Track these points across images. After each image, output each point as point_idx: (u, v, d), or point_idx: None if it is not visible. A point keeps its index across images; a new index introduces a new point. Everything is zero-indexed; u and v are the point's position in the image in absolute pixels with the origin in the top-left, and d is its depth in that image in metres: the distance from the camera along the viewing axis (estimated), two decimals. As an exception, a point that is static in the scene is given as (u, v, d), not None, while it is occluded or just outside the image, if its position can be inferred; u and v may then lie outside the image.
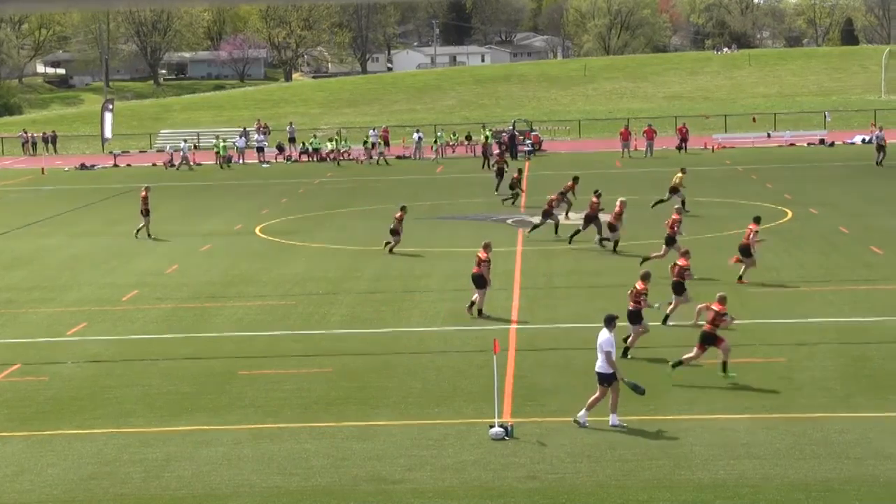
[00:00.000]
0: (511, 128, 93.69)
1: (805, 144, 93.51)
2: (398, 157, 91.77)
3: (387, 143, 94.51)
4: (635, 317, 30.51)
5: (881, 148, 76.07)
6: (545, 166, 79.79)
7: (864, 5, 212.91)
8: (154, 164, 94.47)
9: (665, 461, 23.09)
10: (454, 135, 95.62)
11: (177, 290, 41.49)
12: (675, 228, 41.35)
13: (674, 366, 28.19)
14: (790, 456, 23.11)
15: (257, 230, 55.59)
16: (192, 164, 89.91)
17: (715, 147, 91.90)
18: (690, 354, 28.04)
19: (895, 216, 52.64)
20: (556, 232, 50.11)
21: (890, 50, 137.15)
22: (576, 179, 55.85)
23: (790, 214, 54.38)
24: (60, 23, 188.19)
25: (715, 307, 28.18)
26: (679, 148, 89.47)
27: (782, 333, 32.61)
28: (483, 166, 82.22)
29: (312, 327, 35.30)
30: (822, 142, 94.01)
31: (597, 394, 25.23)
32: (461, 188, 70.36)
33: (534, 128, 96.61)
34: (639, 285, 30.66)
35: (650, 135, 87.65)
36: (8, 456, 24.27)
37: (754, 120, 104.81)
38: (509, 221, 55.72)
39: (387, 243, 47.39)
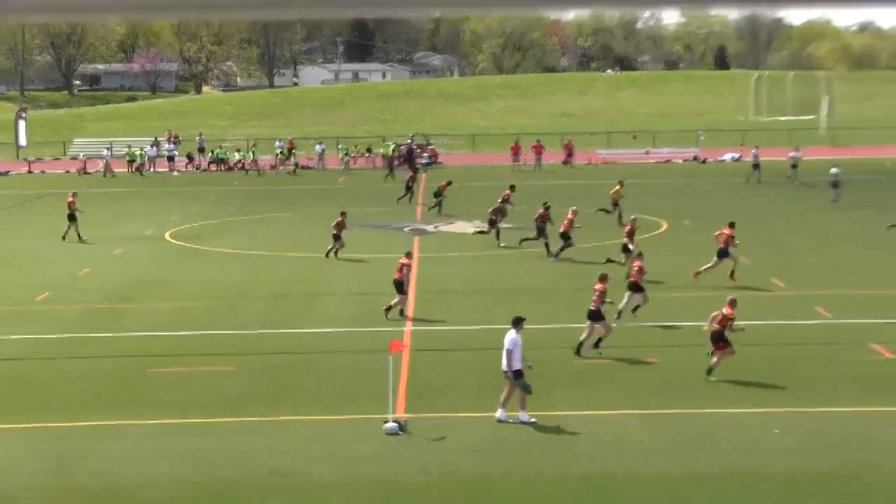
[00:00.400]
0: (409, 141, 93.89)
1: (680, 161, 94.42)
2: (303, 168, 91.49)
3: (291, 154, 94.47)
4: (596, 315, 30.81)
5: (756, 166, 77.00)
6: (441, 177, 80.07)
7: (735, 33, 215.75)
8: (67, 171, 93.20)
9: (551, 455, 23.28)
10: (356, 147, 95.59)
11: (89, 292, 41.06)
12: (630, 238, 42.13)
13: (708, 372, 28.43)
14: (671, 447, 23.44)
15: (167, 235, 55.16)
16: (112, 171, 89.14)
17: (598, 162, 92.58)
18: (715, 359, 28.41)
19: (764, 228, 53.16)
20: (497, 237, 50.34)
21: (758, 75, 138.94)
22: (512, 188, 56.25)
23: (665, 226, 54.83)
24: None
25: (725, 311, 28.66)
26: (565, 162, 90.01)
27: (659, 336, 32.89)
28: (386, 178, 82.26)
29: (218, 328, 35.12)
30: (695, 158, 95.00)
31: (506, 391, 25.49)
32: (363, 198, 70.27)
33: (431, 142, 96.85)
34: (598, 286, 31.02)
35: (538, 150, 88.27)
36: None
37: (634, 137, 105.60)
38: (406, 229, 55.74)
39: (330, 249, 47.01)
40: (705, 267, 40.18)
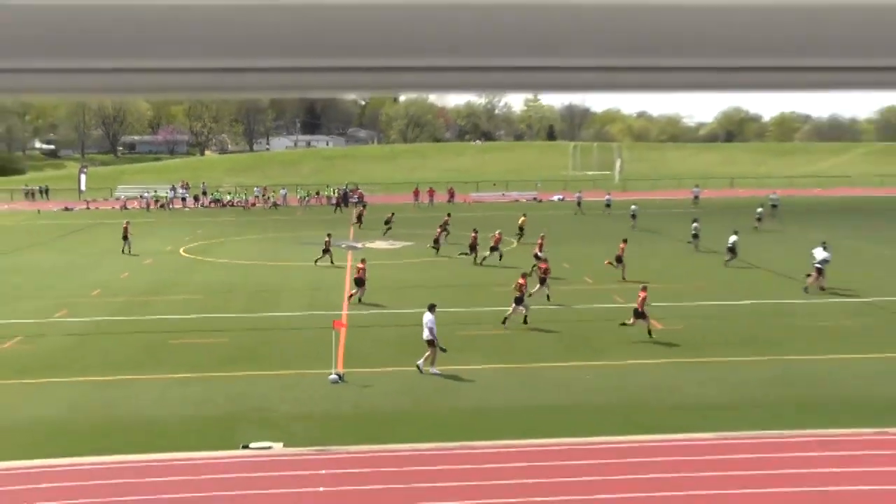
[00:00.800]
0: (345, 187, 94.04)
1: (524, 200, 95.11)
2: (273, 206, 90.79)
3: (265, 196, 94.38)
4: (519, 300, 31.15)
5: (580, 203, 78.68)
6: (368, 211, 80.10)
7: (560, 116, 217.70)
8: (112, 208, 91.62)
9: (447, 395, 23.39)
10: (308, 192, 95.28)
11: (128, 289, 40.44)
12: (539, 248, 42.70)
13: (622, 324, 30.02)
14: (525, 390, 23.62)
15: (181, 250, 54.45)
16: (150, 207, 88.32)
17: (470, 201, 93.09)
18: (632, 321, 29.72)
19: (585, 245, 53.63)
20: (437, 250, 50.37)
21: (574, 145, 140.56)
22: (449, 214, 56.53)
23: (514, 244, 55.26)
24: (52, 115, 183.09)
25: (641, 294, 29.74)
26: (449, 201, 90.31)
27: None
28: (334, 211, 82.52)
29: (217, 312, 34.77)
30: (535, 199, 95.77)
31: (428, 353, 25.58)
32: (313, 225, 69.81)
33: (358, 187, 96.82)
34: (521, 280, 31.62)
35: (431, 193, 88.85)
36: None
37: (494, 185, 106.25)
38: (343, 245, 55.46)
39: (317, 259, 46.23)
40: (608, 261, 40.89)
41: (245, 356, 27.78)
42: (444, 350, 25.87)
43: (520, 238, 54.09)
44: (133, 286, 41.25)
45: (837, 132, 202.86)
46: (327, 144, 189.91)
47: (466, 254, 47.33)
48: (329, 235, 48.05)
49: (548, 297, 35.26)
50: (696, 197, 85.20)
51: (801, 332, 29.96)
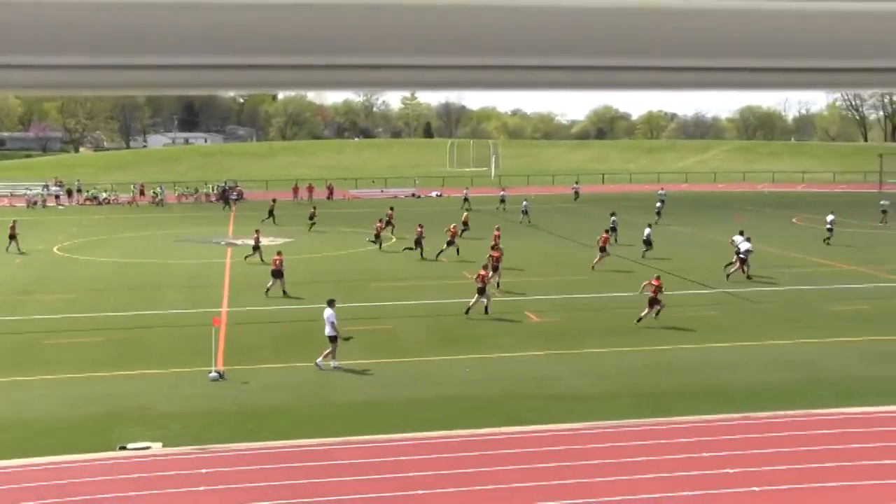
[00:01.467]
0: (224, 184, 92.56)
1: (403, 196, 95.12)
2: (160, 202, 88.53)
3: (143, 193, 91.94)
4: (481, 291, 31.77)
5: (503, 200, 76.56)
6: (248, 208, 78.78)
7: (437, 114, 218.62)
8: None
9: (320, 391, 23.19)
10: (187, 188, 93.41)
11: None
12: (497, 242, 42.37)
13: (638, 321, 30.15)
14: (406, 384, 23.56)
15: (55, 249, 52.65)
16: (36, 205, 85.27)
17: (350, 198, 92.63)
18: (645, 312, 30.19)
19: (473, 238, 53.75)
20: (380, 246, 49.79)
21: (451, 142, 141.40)
22: (392, 208, 57.79)
23: (394, 240, 55.20)
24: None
25: (654, 282, 30.57)
26: (328, 198, 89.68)
27: (391, 310, 33.08)
28: (223, 208, 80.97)
29: (91, 311, 33.71)
30: (413, 195, 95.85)
31: (328, 349, 25.36)
32: (194, 222, 68.41)
33: (238, 185, 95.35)
34: (482, 272, 32.52)
35: (311, 189, 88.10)
36: None
37: (374, 181, 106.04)
38: (222, 242, 54.53)
39: (247, 256, 44.93)
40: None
41: (122, 355, 27.01)
42: (347, 339, 25.80)
43: (463, 232, 53.82)
44: (3, 286, 39.69)
45: (701, 130, 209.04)
46: (205, 142, 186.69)
47: (412, 248, 47.01)
48: (258, 231, 47.28)
49: (498, 284, 35.86)
50: (577, 193, 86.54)
51: (672, 323, 30.65)
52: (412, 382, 24.01)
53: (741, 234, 40.30)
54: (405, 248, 48.02)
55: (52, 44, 1.07)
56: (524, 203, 65.76)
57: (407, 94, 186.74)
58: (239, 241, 54.87)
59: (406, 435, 19.91)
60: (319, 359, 25.43)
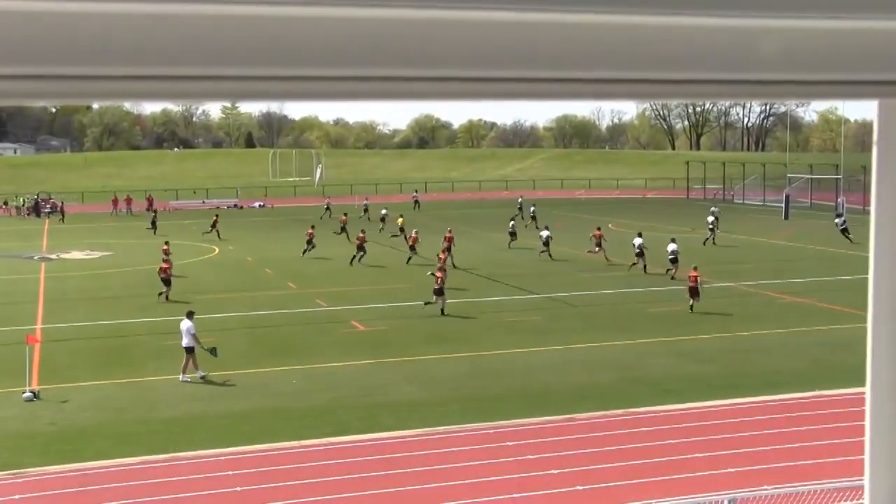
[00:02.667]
0: (36, 197, 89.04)
1: (225, 207, 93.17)
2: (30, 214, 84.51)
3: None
4: (439, 292, 33.09)
5: (328, 207, 75.17)
6: (64, 221, 75.79)
7: (258, 123, 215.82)
8: None
9: (146, 407, 22.42)
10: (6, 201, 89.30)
11: None
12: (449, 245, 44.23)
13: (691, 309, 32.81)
14: (230, 397, 23.05)
15: None
16: None
17: (171, 209, 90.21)
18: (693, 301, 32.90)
19: (283, 251, 53.02)
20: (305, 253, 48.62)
21: (273, 151, 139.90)
22: (346, 214, 58.95)
23: (217, 250, 54.08)
24: None
25: (693, 273, 33.37)
26: (148, 209, 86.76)
27: (214, 323, 32.37)
28: (34, 218, 78.00)
29: None
30: (235, 206, 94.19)
31: (185, 361, 24.80)
32: (2, 236, 65.07)
33: (52, 197, 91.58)
34: (438, 273, 33.63)
35: (129, 201, 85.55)
36: None
37: (195, 192, 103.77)
38: (35, 257, 52.10)
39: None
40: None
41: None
42: (213, 353, 25.16)
43: (395, 236, 53.96)
44: None
45: (520, 138, 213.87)
46: (15, 152, 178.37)
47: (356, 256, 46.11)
48: (167, 243, 44.53)
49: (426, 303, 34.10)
50: (417, 201, 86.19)
51: (496, 328, 31.10)
52: (236, 395, 23.52)
53: (639, 235, 44.05)
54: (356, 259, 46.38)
55: (29, 54, 1.12)
56: (382, 212, 65.30)
57: (228, 103, 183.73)
58: (53, 256, 52.64)
59: (231, 449, 19.46)
60: (182, 375, 24.74)
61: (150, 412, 22.17)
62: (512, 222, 55.89)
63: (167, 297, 36.09)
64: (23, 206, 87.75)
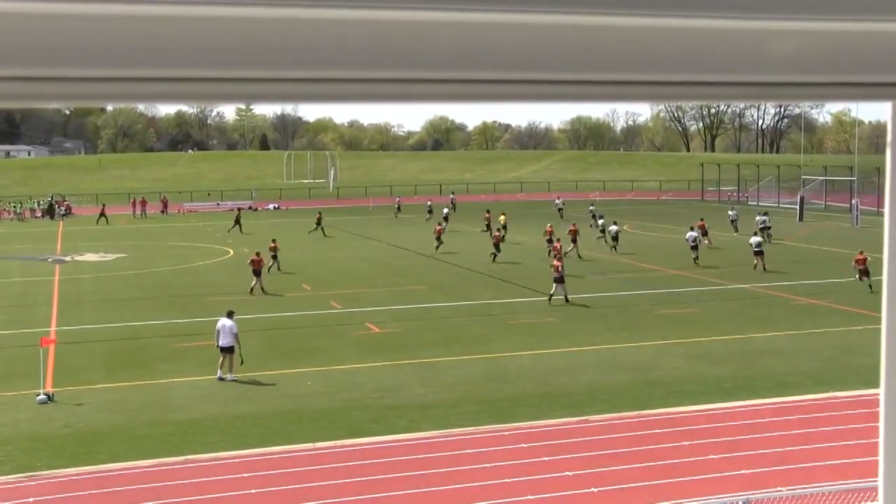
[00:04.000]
0: (51, 198, 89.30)
1: (240, 210, 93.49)
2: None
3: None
4: (559, 280, 35.00)
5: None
6: (78, 223, 76.02)
7: (272, 126, 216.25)
8: None
9: (161, 410, 22.46)
10: (10, 203, 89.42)
11: None
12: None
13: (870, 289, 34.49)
14: (244, 400, 23.08)
15: None
16: None
17: (185, 211, 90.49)
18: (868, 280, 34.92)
19: (298, 253, 53.24)
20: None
21: (288, 153, 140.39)
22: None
23: (231, 252, 54.27)
24: None
25: (859, 257, 36.08)
26: (162, 212, 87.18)
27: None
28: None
29: None
30: (250, 208, 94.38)
31: (222, 359, 25.04)
32: (16, 238, 65.41)
33: (66, 199, 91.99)
34: (556, 263, 36.88)
35: (144, 203, 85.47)
36: None
37: (209, 194, 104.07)
38: (50, 259, 52.33)
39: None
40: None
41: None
42: (241, 362, 25.26)
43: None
44: None
45: (535, 140, 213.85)
46: (29, 154, 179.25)
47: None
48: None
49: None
50: (454, 202, 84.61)
51: (511, 329, 31.08)
52: (252, 397, 23.55)
53: (692, 229, 47.82)
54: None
55: (36, 55, 1.13)
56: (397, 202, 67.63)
57: (242, 105, 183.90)
58: (68, 258, 52.85)
59: (247, 451, 19.49)
60: (219, 373, 25.01)
61: (165, 414, 22.23)
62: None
63: (257, 290, 38.27)
64: (37, 208, 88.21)
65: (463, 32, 1.22)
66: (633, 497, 16.96)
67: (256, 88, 1.21)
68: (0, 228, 75.93)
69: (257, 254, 39.72)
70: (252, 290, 38.35)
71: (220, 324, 25.47)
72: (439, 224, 55.99)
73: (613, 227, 51.27)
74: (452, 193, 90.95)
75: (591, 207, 72.76)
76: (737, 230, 56.98)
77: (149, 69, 1.14)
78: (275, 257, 44.55)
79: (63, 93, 1.16)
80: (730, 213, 61.05)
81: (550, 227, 51.49)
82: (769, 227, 54.15)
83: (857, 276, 36.75)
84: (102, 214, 77.54)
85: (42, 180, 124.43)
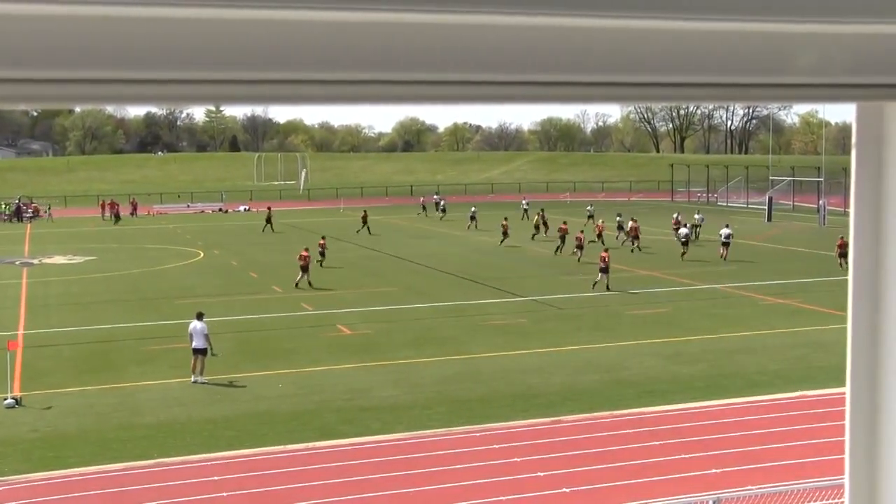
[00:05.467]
0: (17, 201, 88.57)
1: (210, 211, 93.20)
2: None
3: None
4: (605, 270, 38.05)
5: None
6: (46, 226, 75.39)
7: (242, 127, 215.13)
8: None
9: (129, 413, 22.31)
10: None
11: None
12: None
13: None
14: (214, 402, 22.94)
15: None
16: None
17: (155, 213, 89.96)
18: None
19: (268, 255, 53.06)
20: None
21: (259, 155, 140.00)
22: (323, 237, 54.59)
23: (202, 254, 54.00)
24: None
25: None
26: (132, 214, 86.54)
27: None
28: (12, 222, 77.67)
29: None
30: (220, 210, 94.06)
31: (194, 361, 24.88)
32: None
33: (33, 201, 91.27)
34: (603, 254, 38.94)
35: (113, 205, 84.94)
36: None
37: (179, 196, 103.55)
38: (17, 262, 51.79)
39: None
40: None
41: None
42: (214, 355, 25.26)
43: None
44: None
45: (505, 141, 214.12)
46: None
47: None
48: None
49: None
50: (440, 203, 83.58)
51: (482, 330, 31.11)
52: (221, 400, 23.43)
53: (684, 226, 50.78)
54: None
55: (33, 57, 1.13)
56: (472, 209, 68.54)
57: (212, 106, 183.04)
58: (35, 261, 52.36)
59: (216, 454, 19.39)
60: (192, 377, 24.87)
61: (134, 417, 22.08)
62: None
63: (302, 284, 39.43)
64: (4, 210, 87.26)
65: (445, 34, 1.22)
66: (605, 497, 17.02)
67: (230, 90, 1.22)
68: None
69: (306, 249, 40.60)
70: (297, 283, 39.57)
71: (191, 326, 25.37)
72: (504, 221, 56.61)
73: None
74: (437, 194, 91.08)
75: (588, 208, 72.44)
76: (697, 237, 55.28)
77: (118, 71, 1.17)
78: (322, 254, 45.78)
79: (30, 94, 1.17)
80: (696, 216, 59.75)
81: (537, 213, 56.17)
82: (699, 226, 56.54)
83: (838, 260, 40.29)
84: (116, 215, 79.46)
85: (9, 182, 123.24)
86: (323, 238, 48.20)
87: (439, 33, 1.22)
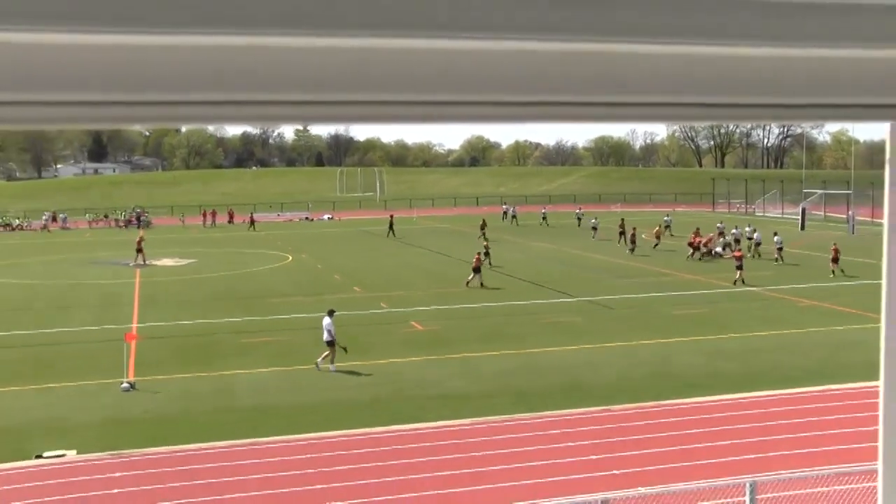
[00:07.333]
0: (131, 210, 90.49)
1: (297, 220, 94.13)
2: (60, 228, 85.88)
3: (55, 220, 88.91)
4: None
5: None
6: (155, 232, 76.48)
7: (326, 145, 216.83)
8: None
9: (227, 397, 22.62)
10: (97, 214, 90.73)
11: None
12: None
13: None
14: (302, 389, 23.08)
15: (-29, 272, 50.29)
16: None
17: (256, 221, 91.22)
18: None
19: (349, 259, 53.47)
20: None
21: (341, 170, 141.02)
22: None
23: (290, 258, 54.59)
24: None
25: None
26: (229, 222, 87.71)
27: (290, 323, 32.54)
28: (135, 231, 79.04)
29: (5, 330, 32.24)
30: (306, 218, 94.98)
31: (327, 352, 25.23)
32: (105, 246, 66.19)
33: (145, 210, 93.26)
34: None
35: (213, 214, 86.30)
36: None
37: (270, 206, 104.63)
38: (130, 264, 52.82)
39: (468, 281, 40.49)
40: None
41: (36, 370, 25.88)
42: (345, 350, 25.50)
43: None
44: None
45: (562, 157, 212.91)
46: (114, 171, 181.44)
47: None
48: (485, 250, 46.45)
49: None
50: (506, 213, 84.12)
51: (539, 328, 31.00)
52: (308, 388, 23.63)
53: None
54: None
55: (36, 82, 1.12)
56: (593, 220, 66.79)
57: (300, 126, 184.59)
58: (147, 263, 53.38)
59: (304, 435, 19.61)
60: (319, 359, 25.30)
61: (233, 401, 22.41)
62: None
63: (474, 284, 39.37)
64: (121, 218, 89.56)
65: (488, 60, 1.23)
66: (649, 479, 16.86)
67: (314, 111, 1.24)
68: (89, 237, 76.94)
69: (479, 253, 42.01)
70: (468, 283, 39.73)
71: (323, 321, 25.89)
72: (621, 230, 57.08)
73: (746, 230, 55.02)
74: (505, 203, 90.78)
75: (665, 218, 69.56)
76: (759, 254, 51.31)
77: (221, 94, 1.16)
78: (487, 254, 46.04)
79: (56, 117, 1.15)
80: (747, 228, 58.01)
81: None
82: (757, 242, 52.39)
83: (830, 266, 41.53)
84: (252, 222, 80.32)
85: (125, 194, 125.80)
86: (486, 240, 49.66)
87: (479, 60, 1.22)
